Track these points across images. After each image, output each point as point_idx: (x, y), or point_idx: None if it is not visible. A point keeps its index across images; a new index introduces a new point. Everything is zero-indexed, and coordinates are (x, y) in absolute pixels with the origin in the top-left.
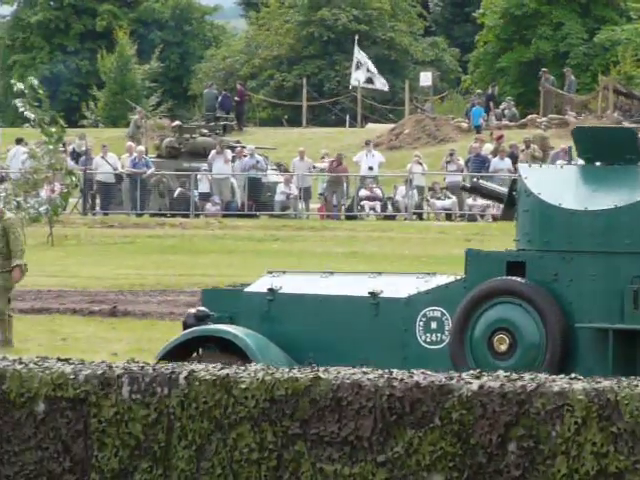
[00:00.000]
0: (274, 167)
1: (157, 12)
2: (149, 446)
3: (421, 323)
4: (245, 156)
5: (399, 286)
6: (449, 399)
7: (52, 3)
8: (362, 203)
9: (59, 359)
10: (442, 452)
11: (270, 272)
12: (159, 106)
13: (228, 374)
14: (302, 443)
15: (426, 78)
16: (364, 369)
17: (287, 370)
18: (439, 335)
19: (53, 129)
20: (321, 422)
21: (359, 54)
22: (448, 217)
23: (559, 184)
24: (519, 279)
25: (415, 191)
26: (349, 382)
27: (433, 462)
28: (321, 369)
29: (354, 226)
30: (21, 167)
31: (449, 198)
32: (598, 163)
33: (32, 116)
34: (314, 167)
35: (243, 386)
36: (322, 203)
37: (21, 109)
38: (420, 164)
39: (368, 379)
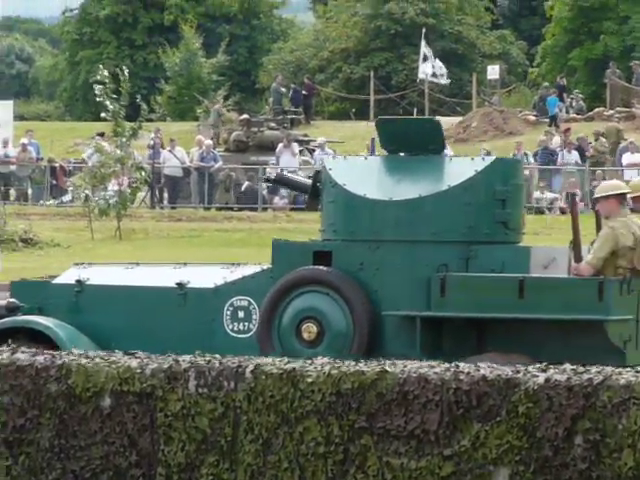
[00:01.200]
0: None
1: (225, 6)
2: (215, 440)
3: (228, 312)
4: (313, 150)
5: (206, 277)
6: (515, 392)
7: None
8: None
9: (125, 353)
10: (508, 445)
11: (77, 264)
12: (227, 100)
13: (295, 368)
14: (368, 437)
15: (493, 71)
16: (431, 363)
17: (354, 364)
18: (246, 324)
19: (127, 124)
20: (387, 416)
21: (425, 48)
22: None
23: (363, 175)
24: (325, 268)
25: None
26: (415, 376)
27: (499, 455)
28: (388, 362)
29: None
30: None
31: None
32: (402, 154)
33: (110, 107)
34: None
35: (310, 380)
36: None
37: (99, 98)
38: None
39: (435, 373)
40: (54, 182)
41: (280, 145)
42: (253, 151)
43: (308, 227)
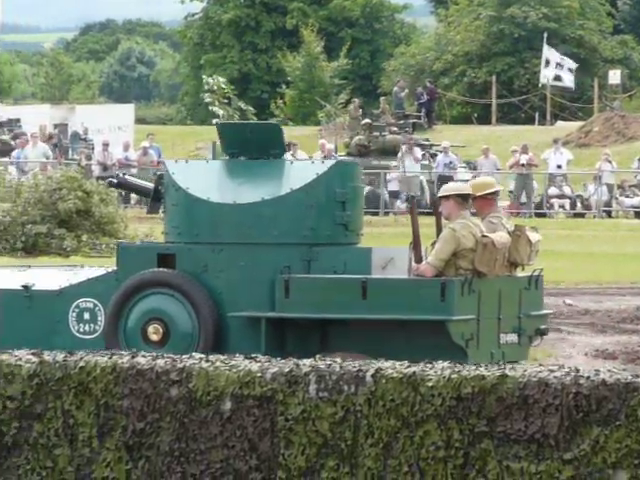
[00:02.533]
0: (463, 165)
1: (347, 10)
2: (336, 444)
3: (74, 314)
4: (435, 154)
5: (50, 279)
6: (635, 396)
7: (243, 1)
8: (551, 201)
9: (246, 357)
10: (627, 450)
11: None
12: (348, 104)
13: (415, 372)
14: (489, 441)
15: (615, 76)
16: (551, 367)
17: (474, 368)
18: (92, 325)
19: None
20: (508, 420)
21: (548, 52)
22: (637, 215)
23: (206, 178)
24: (170, 270)
25: (604, 189)
26: (536, 380)
27: (619, 460)
28: (508, 367)
29: (543, 224)
30: None
31: (637, 196)
32: (243, 158)
33: (220, 112)
34: (523, 165)
35: (430, 384)
36: (511, 201)
37: (210, 106)
38: (609, 162)
39: (555, 377)
40: None
41: (402, 149)
42: (375, 155)
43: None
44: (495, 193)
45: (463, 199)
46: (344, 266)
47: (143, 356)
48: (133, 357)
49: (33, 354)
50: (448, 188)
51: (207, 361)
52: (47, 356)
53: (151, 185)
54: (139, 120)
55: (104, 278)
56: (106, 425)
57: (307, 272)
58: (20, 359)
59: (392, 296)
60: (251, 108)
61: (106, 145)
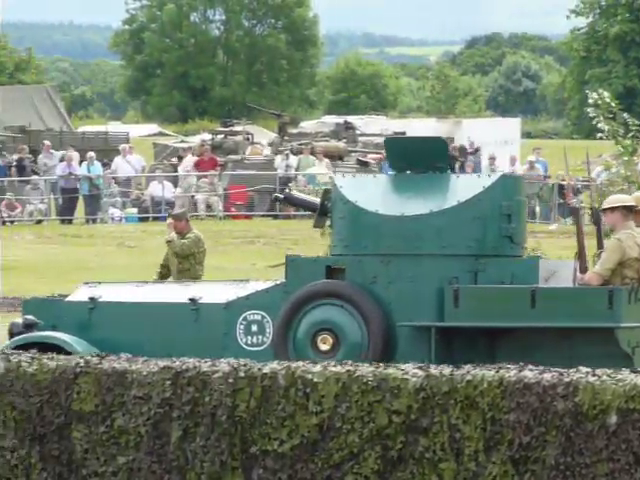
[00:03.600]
0: None
1: None
2: None
3: (241, 326)
4: None
5: (217, 292)
6: None
7: (628, 15)
8: None
9: (632, 371)
10: None
11: (87, 283)
12: None
13: None
14: None
15: None
16: None
17: None
18: (260, 337)
19: (628, 141)
20: None
21: None
22: None
23: (374, 192)
24: (340, 282)
25: None
26: None
27: None
28: None
29: None
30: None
31: None
32: (409, 172)
33: (605, 127)
34: None
35: None
36: None
37: (594, 121)
38: None
39: None
40: (561, 200)
41: None
42: None
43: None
44: None
45: (628, 210)
46: (512, 277)
47: (530, 370)
48: (520, 371)
49: (419, 368)
50: (614, 200)
51: (594, 375)
52: (434, 370)
53: (317, 200)
54: (525, 134)
55: (272, 290)
56: (492, 439)
57: (474, 283)
58: (407, 373)
59: (561, 305)
60: (637, 121)
61: (492, 159)
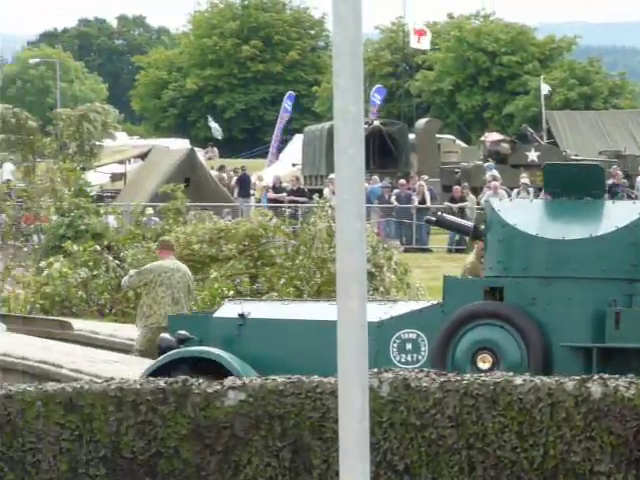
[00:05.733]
0: None
1: None
2: None
3: (395, 345)
4: None
5: (369, 311)
6: None
7: None
8: None
9: None
10: None
11: (231, 300)
12: None
13: None
14: None
15: None
16: None
17: None
18: (414, 355)
19: None
20: None
21: None
22: None
23: (532, 216)
24: (500, 302)
25: None
26: None
27: None
28: None
29: None
30: None
31: None
32: (565, 197)
33: None
34: None
35: None
36: None
37: None
38: None
39: None
40: None
41: None
42: None
43: None
44: None
45: None
46: None
47: None
48: None
49: None
50: None
51: None
52: None
53: (470, 224)
54: None
55: (428, 310)
56: None
57: (629, 306)
58: None
59: None
60: None
61: None
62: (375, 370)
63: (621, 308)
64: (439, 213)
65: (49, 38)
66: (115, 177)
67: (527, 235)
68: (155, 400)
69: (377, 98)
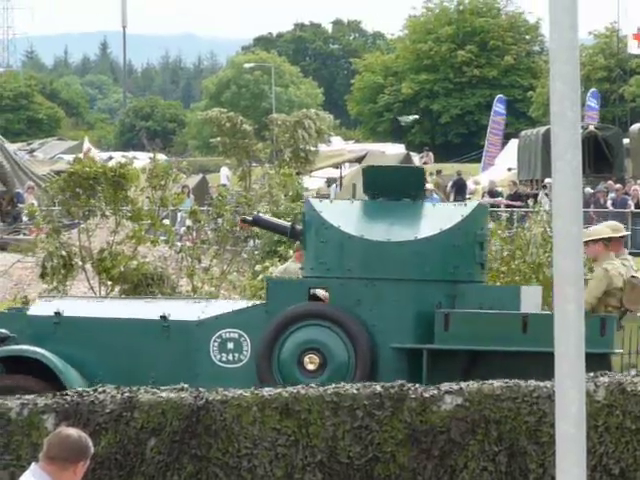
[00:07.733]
0: None
1: None
2: None
3: (215, 344)
4: None
5: (185, 310)
6: None
7: None
8: None
9: None
10: None
11: (42, 296)
12: None
13: None
14: None
15: None
16: None
17: None
18: (236, 355)
19: None
20: None
21: None
22: None
23: (355, 217)
24: (327, 304)
25: None
26: None
27: None
28: None
29: None
30: None
31: None
32: (383, 198)
33: None
34: None
35: None
36: None
37: None
38: None
39: None
40: None
41: None
42: None
43: None
44: (624, 236)
45: (608, 241)
46: (492, 302)
47: None
48: None
49: None
50: (594, 232)
51: None
52: None
53: (287, 224)
54: None
55: (251, 310)
56: None
57: (452, 307)
58: None
59: (552, 330)
60: None
61: None
62: (591, 374)
63: (450, 310)
64: (255, 213)
65: (264, 42)
66: (330, 181)
67: (350, 236)
68: (372, 405)
69: (593, 102)
